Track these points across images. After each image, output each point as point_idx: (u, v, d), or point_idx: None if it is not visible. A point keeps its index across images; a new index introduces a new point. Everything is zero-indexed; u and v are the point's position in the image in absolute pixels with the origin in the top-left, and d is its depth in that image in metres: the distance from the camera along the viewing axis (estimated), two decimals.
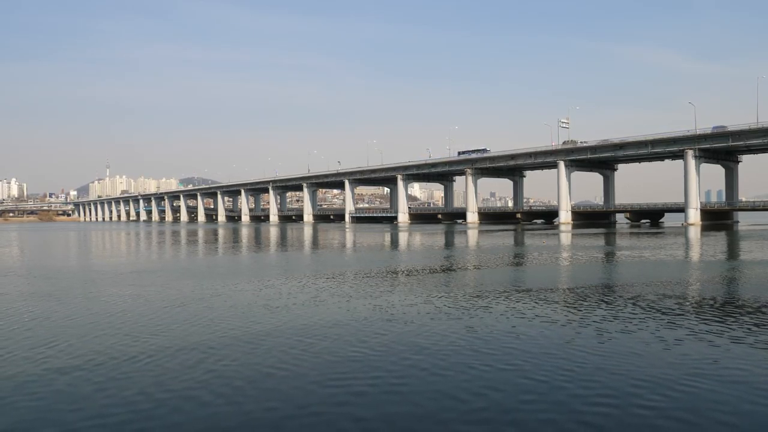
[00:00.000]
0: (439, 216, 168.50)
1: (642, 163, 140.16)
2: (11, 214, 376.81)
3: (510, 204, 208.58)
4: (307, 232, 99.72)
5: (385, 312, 17.25)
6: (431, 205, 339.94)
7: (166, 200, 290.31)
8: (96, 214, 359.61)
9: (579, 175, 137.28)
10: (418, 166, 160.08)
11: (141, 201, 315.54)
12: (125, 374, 10.98)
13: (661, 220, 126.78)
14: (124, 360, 11.98)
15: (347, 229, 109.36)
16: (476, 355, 12.24)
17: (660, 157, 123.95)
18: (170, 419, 8.76)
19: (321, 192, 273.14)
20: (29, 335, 14.54)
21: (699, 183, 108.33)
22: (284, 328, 15.07)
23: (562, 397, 9.53)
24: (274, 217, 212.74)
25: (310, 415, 8.86)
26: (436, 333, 14.30)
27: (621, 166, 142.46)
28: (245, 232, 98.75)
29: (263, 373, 11.05)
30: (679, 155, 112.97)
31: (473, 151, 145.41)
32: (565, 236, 70.02)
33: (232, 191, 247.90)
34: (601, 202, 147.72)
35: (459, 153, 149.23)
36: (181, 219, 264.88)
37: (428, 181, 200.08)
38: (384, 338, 13.76)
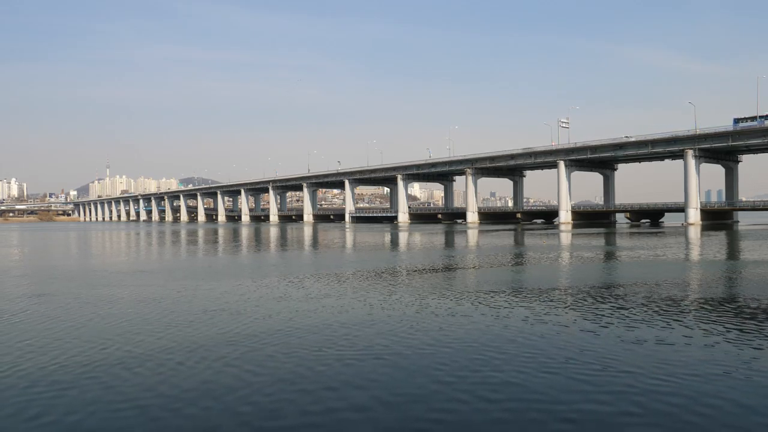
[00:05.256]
0: (439, 216, 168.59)
1: (642, 163, 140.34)
2: (11, 214, 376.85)
3: (510, 204, 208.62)
4: (308, 232, 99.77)
5: (403, 311, 17.29)
6: (431, 205, 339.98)
7: (166, 200, 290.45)
8: (96, 214, 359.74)
9: (579, 175, 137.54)
10: (418, 166, 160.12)
11: (141, 201, 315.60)
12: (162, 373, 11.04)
13: (661, 220, 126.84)
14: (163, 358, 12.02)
15: (347, 229, 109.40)
16: (496, 355, 12.28)
17: (660, 157, 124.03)
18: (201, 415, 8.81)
19: (321, 192, 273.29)
20: (77, 336, 14.57)
21: (699, 183, 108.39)
22: (303, 327, 15.11)
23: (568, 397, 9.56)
24: (274, 217, 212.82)
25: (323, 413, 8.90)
26: (447, 332, 14.35)
27: (621, 166, 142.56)
28: (246, 232, 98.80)
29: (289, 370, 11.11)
30: (679, 155, 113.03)
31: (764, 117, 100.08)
32: (565, 236, 70.05)
33: (232, 191, 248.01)
34: (601, 202, 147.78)
35: (736, 120, 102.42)
36: (181, 219, 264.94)
37: (428, 181, 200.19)
38: (409, 338, 13.81)
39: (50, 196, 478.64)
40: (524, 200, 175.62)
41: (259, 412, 9.08)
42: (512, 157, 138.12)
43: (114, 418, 8.89)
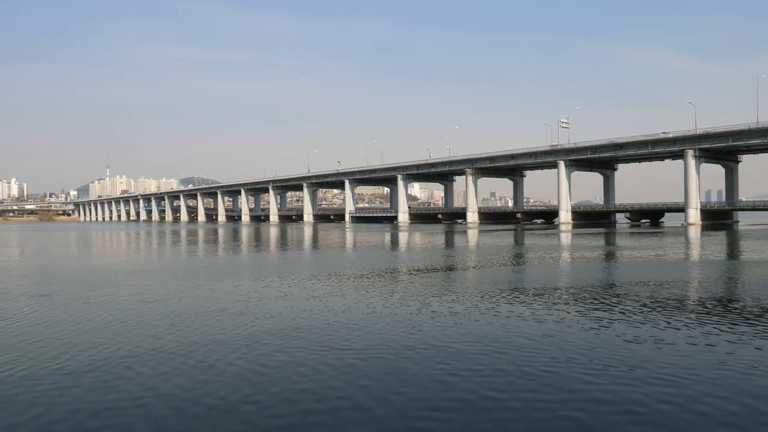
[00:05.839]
0: (439, 216, 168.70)
1: (642, 163, 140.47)
2: (11, 214, 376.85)
3: (510, 204, 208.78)
4: (308, 232, 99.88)
5: (410, 312, 17.42)
6: (431, 205, 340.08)
7: (166, 200, 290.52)
8: (96, 214, 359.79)
9: (579, 175, 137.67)
10: (418, 166, 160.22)
11: (141, 201, 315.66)
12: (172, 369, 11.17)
13: (661, 220, 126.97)
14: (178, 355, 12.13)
15: (348, 229, 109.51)
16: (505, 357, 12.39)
17: (660, 157, 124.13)
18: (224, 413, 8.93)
19: (321, 192, 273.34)
20: (84, 336, 14.70)
21: (699, 183, 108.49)
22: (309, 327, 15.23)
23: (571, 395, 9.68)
24: (274, 217, 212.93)
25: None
26: (449, 333, 14.48)
27: (621, 166, 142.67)
28: (246, 232, 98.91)
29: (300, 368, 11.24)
30: (679, 155, 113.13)
31: None
32: (565, 236, 70.17)
33: (232, 191, 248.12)
34: (601, 202, 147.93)
35: None
36: (181, 219, 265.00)
37: (428, 181, 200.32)
38: (413, 338, 13.93)
39: (50, 196, 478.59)
40: (524, 200, 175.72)
41: (268, 410, 9.23)
42: (512, 157, 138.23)
43: (122, 416, 9.03)
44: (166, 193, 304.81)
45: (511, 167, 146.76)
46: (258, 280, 25.83)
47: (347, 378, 10.73)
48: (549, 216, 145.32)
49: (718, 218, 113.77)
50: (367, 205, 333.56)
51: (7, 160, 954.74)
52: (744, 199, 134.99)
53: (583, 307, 18.07)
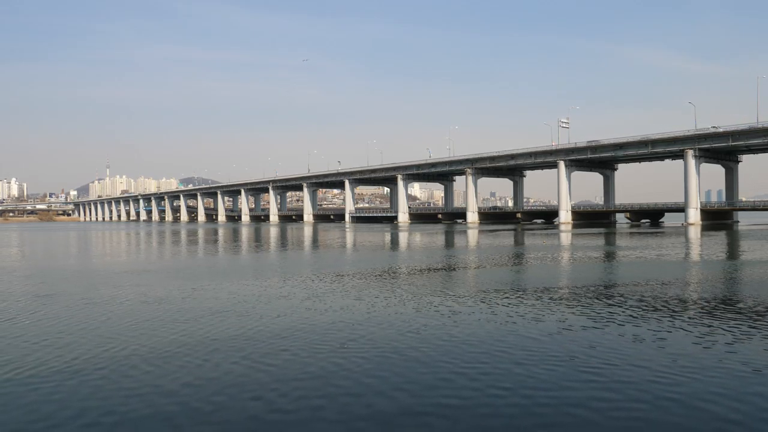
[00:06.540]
0: (439, 216, 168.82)
1: (642, 163, 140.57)
2: (11, 214, 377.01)
3: (510, 204, 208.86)
4: (308, 232, 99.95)
5: (415, 311, 17.50)
6: (431, 205, 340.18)
7: (166, 200, 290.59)
8: (96, 214, 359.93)
9: (579, 175, 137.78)
10: (418, 166, 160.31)
11: (141, 201, 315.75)
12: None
13: (661, 220, 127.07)
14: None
15: (348, 229, 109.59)
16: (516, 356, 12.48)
17: (660, 157, 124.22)
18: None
19: (321, 192, 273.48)
20: (96, 335, 14.81)
21: (699, 183, 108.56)
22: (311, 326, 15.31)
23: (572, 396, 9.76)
24: (274, 217, 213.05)
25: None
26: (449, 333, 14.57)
27: (621, 166, 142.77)
28: (246, 232, 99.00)
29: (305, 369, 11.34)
30: (679, 155, 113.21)
31: None
32: (566, 236, 70.24)
33: (232, 191, 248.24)
34: (601, 202, 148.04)
35: None
36: (182, 219, 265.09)
37: (428, 181, 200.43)
38: (416, 337, 14.02)
39: (50, 196, 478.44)
40: (524, 200, 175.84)
41: (274, 407, 9.34)
42: (512, 157, 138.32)
43: (131, 411, 9.14)
44: (166, 193, 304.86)
45: (511, 167, 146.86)
46: (259, 280, 25.92)
47: (352, 376, 10.83)
48: (549, 216, 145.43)
49: (718, 218, 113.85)
50: (367, 205, 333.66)
51: (7, 160, 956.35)
52: (744, 199, 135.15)
53: (584, 306, 18.15)
